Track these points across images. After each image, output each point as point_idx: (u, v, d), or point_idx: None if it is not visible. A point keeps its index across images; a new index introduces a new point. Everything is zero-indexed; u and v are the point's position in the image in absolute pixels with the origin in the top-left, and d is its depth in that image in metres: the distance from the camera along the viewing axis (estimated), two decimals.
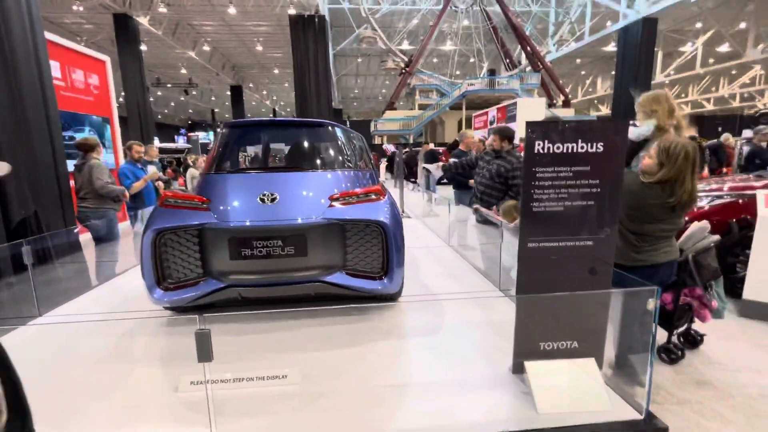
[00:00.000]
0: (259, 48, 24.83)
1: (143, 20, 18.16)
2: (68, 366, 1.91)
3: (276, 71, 30.60)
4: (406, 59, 20.05)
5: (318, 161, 2.62)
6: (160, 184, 5.23)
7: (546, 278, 1.56)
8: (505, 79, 18.54)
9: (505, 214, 2.92)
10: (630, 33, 16.90)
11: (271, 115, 39.06)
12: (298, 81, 20.25)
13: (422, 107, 19.74)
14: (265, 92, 38.48)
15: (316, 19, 19.38)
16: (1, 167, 2.91)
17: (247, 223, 2.04)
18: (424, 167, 6.77)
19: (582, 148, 1.45)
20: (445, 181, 6.13)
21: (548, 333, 1.58)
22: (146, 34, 19.65)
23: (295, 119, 3.16)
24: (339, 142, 2.77)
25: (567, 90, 19.95)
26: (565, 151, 1.46)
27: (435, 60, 29.62)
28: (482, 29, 21.06)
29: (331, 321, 2.28)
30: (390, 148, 15.83)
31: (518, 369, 1.62)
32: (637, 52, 16.59)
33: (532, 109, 9.27)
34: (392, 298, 2.35)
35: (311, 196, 2.21)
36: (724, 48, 23.40)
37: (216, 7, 19.17)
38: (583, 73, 32.27)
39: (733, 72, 25.26)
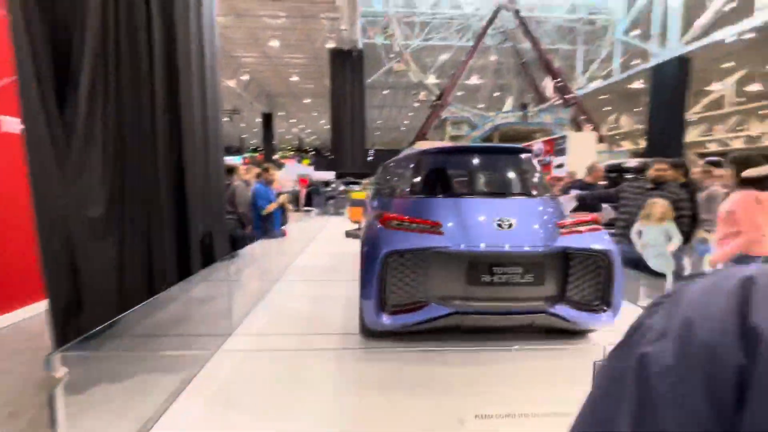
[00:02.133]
0: (295, 78, 25.97)
1: None
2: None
3: (307, 101, 31.79)
4: (438, 92, 20.69)
5: (530, 188, 2.60)
6: (290, 206, 5.66)
7: None
8: (540, 113, 18.91)
9: (648, 208, 2.99)
10: (663, 72, 17.21)
11: (298, 143, 40.14)
12: (334, 112, 20.99)
13: (453, 138, 20.17)
14: (293, 120, 39.80)
15: (354, 54, 20.32)
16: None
17: (489, 249, 2.01)
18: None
19: None
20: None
21: None
22: None
23: (497, 145, 3.22)
24: (534, 168, 2.77)
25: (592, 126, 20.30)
26: None
27: (460, 93, 30.50)
28: (512, 64, 21.74)
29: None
30: None
31: None
32: (669, 90, 16.83)
33: (582, 142, 9.48)
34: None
35: (543, 222, 2.18)
36: (754, 87, 23.60)
37: (259, 39, 20.28)
38: (605, 108, 32.65)
39: (760, 112, 25.31)
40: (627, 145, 33.28)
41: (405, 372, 2.03)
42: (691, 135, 24.32)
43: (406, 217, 2.18)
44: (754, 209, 2.48)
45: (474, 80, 26.13)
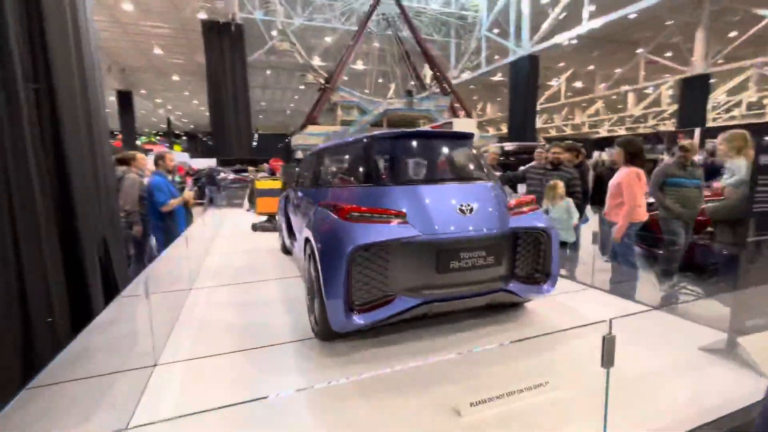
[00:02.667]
0: (158, 52, 22.50)
1: None
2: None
3: (176, 78, 27.89)
4: (326, 75, 20.39)
5: (480, 172, 2.57)
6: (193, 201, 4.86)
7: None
8: (423, 100, 20.21)
9: (551, 189, 3.50)
10: (518, 67, 20.10)
11: (166, 126, 35.12)
12: (213, 92, 18.99)
13: (345, 123, 20.22)
14: (159, 100, 34.54)
15: (233, 27, 18.56)
16: None
17: (457, 235, 2.01)
18: None
19: None
20: None
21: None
22: None
23: (445, 131, 3.16)
24: (479, 153, 2.76)
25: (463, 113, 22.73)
26: None
27: (346, 78, 30.58)
28: (395, 51, 22.65)
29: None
30: None
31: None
32: (524, 83, 19.80)
33: (466, 127, 10.63)
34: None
35: (497, 205, 2.23)
36: (577, 84, 29.38)
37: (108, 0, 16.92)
38: (474, 98, 36.71)
39: (583, 104, 31.76)
40: (492, 131, 38.19)
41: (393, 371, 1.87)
42: (538, 122, 29.05)
43: (366, 208, 2.06)
44: (635, 183, 3.10)
45: (360, 65, 26.47)
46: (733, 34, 18.29)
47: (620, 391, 1.52)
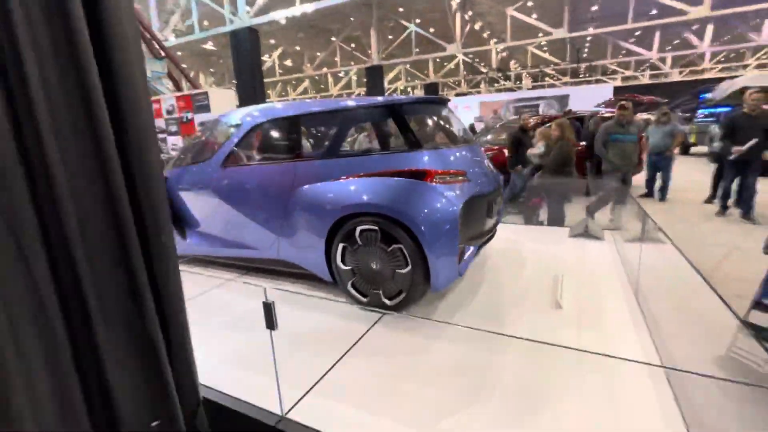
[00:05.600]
0: None
1: None
2: None
3: None
4: None
5: (472, 135, 2.97)
6: None
7: None
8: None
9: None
10: (240, 38, 20.05)
11: None
12: None
13: None
14: None
15: None
16: None
17: (492, 189, 2.57)
18: None
19: None
20: None
21: None
22: None
23: (443, 97, 3.05)
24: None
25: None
26: None
27: None
28: None
29: None
30: None
31: None
32: (247, 55, 20.08)
33: (224, 99, 10.06)
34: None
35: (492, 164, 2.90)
36: (288, 62, 32.10)
37: None
38: (184, 65, 33.02)
39: (293, 82, 35.19)
40: None
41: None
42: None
43: (443, 170, 2.35)
44: None
45: None
46: (390, 36, 25.28)
47: None
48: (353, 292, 2.58)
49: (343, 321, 2.50)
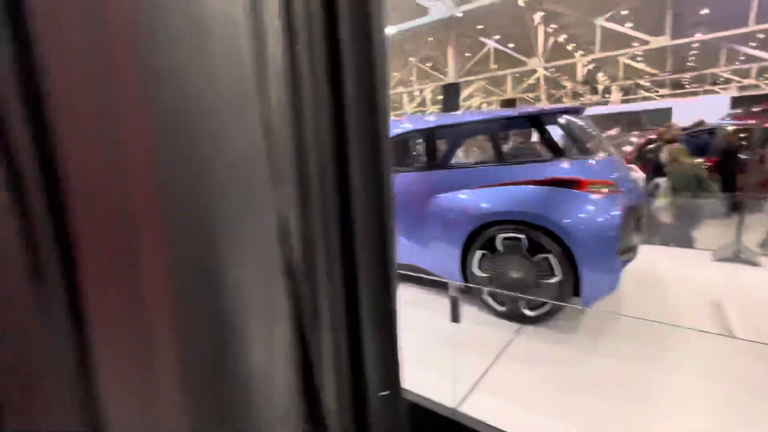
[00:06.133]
0: None
1: None
2: None
3: None
4: None
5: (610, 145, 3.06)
6: None
7: None
8: None
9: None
10: None
11: None
12: None
13: None
14: None
15: None
16: None
17: (640, 202, 2.55)
18: None
19: None
20: None
21: None
22: None
23: (580, 106, 3.22)
24: None
25: None
26: None
27: None
28: None
29: None
30: None
31: None
32: None
33: None
34: None
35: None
36: None
37: None
38: None
39: None
40: None
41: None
42: None
43: (600, 180, 2.32)
44: None
45: None
46: (468, 54, 25.15)
47: None
48: (489, 300, 2.56)
49: (479, 327, 2.51)
